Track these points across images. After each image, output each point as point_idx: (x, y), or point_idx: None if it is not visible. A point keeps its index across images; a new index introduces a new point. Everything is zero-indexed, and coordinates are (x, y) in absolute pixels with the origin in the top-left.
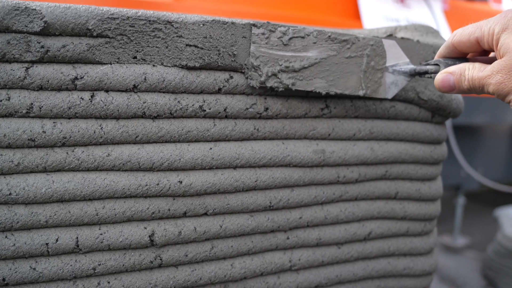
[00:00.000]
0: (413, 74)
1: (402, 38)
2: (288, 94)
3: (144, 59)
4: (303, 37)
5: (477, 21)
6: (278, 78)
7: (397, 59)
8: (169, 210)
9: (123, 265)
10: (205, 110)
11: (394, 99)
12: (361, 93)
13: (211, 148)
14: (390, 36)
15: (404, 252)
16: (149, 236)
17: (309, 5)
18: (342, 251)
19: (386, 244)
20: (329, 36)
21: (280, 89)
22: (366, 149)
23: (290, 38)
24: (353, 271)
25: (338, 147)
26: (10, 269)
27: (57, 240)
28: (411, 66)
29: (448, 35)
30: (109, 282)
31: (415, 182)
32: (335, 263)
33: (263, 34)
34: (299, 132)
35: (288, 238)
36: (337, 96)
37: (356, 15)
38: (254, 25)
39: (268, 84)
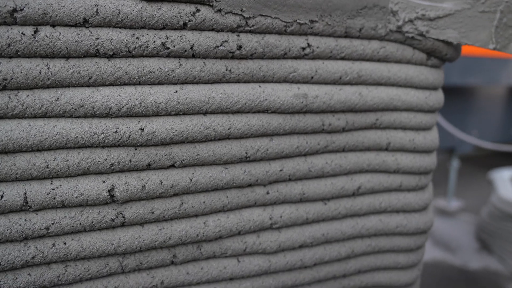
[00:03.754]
0: None
1: None
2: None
3: None
4: None
5: None
6: (413, 24)
7: None
8: (130, 161)
9: (80, 223)
10: (168, 48)
11: (384, 39)
12: (491, 47)
13: (176, 91)
14: None
15: (397, 208)
16: (109, 191)
17: None
18: (329, 208)
19: (377, 199)
20: None
21: (414, 35)
22: (353, 94)
23: None
24: (341, 229)
25: (322, 91)
26: None
27: (2, 196)
28: None
29: None
30: (65, 243)
31: (409, 131)
32: (321, 220)
33: None
34: (277, 74)
35: (267, 193)
36: (320, 34)
37: None
38: None
39: (404, 29)
